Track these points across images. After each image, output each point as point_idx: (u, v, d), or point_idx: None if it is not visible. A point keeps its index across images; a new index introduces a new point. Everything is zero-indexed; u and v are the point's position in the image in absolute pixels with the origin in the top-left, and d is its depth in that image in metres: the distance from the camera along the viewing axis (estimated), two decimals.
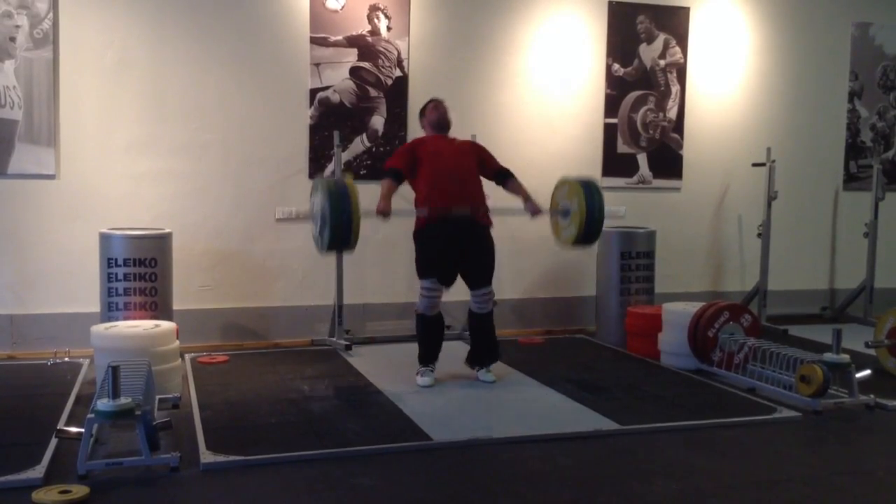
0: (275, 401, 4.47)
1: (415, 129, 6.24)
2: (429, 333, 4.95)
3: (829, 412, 4.39)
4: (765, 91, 7.27)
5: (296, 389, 4.72)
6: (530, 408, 4.49)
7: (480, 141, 6.14)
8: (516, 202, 5.07)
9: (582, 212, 4.84)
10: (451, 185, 4.81)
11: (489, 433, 3.93)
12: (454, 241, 4.79)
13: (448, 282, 4.87)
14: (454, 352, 5.66)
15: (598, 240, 6.35)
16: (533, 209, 4.99)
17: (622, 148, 6.86)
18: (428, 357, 4.95)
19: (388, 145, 6.17)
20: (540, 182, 6.60)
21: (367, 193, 6.08)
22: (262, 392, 4.65)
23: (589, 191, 4.90)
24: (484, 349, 5.05)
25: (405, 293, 6.04)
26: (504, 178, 5.08)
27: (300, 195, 6.03)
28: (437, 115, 5.07)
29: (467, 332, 6.03)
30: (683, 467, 3.59)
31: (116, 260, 5.07)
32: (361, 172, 6.13)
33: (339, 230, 4.31)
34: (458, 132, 6.19)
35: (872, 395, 4.54)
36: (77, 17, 5.51)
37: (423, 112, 5.20)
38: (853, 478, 3.54)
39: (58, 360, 5.23)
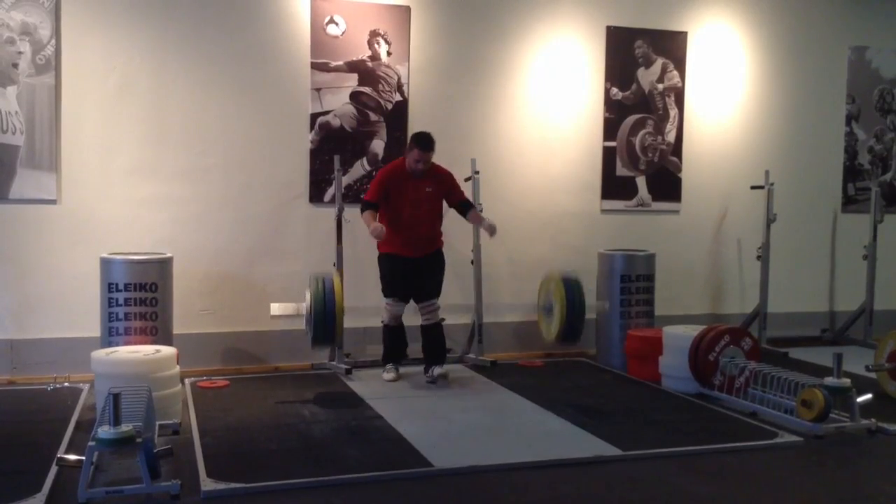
0: (275, 426, 4.46)
1: None
2: (393, 339, 5.66)
3: (831, 437, 4.39)
4: (763, 114, 7.31)
5: (296, 414, 4.71)
6: (531, 433, 4.48)
7: (480, 166, 6.20)
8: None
9: (563, 309, 5.25)
10: (410, 233, 5.45)
11: (490, 459, 3.92)
12: (410, 267, 5.49)
13: (407, 299, 5.56)
14: (453, 375, 5.67)
15: (598, 265, 6.45)
16: (490, 228, 5.42)
17: (621, 171, 6.89)
18: (392, 357, 5.66)
19: None
20: (540, 205, 6.68)
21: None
22: (262, 417, 4.64)
23: (569, 287, 5.29)
24: (434, 355, 5.60)
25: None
26: (465, 209, 5.60)
27: (301, 220, 6.07)
28: (412, 163, 5.37)
29: (469, 356, 6.09)
30: (685, 494, 3.58)
31: (117, 285, 5.08)
32: (362, 196, 6.14)
33: (321, 323, 4.97)
34: (458, 157, 6.28)
35: (874, 420, 4.53)
36: (79, 43, 5.55)
37: (410, 145, 5.44)
38: None
39: (58, 386, 5.22)
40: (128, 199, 5.69)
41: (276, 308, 5.32)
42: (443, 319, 5.62)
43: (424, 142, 5.34)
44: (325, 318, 4.99)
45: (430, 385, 5.47)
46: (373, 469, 3.77)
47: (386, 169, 5.57)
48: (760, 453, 4.16)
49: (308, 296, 5.08)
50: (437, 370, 5.53)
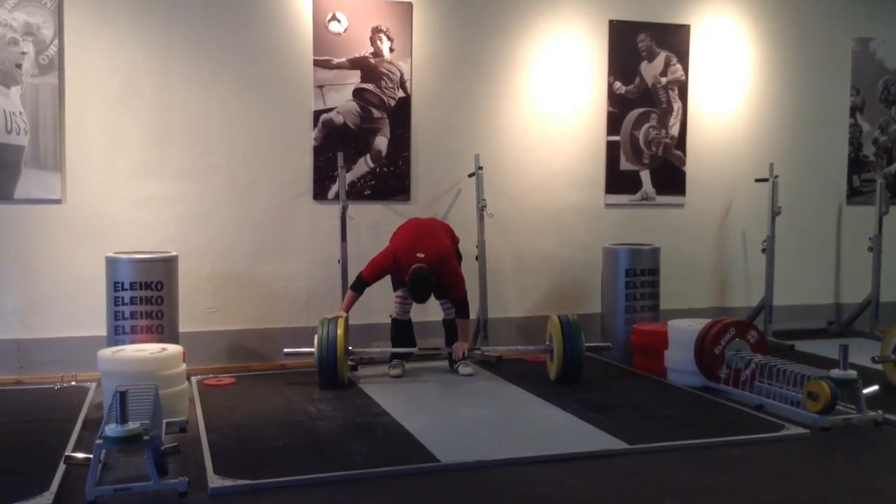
0: (281, 423, 4.47)
1: (417, 150, 6.28)
2: (401, 334, 5.70)
3: (837, 429, 4.38)
4: (766, 107, 7.30)
5: (302, 411, 4.72)
6: (537, 427, 4.48)
7: (484, 161, 6.21)
8: None
9: (560, 352, 5.31)
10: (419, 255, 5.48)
11: (496, 454, 3.93)
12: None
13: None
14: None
15: (602, 259, 6.45)
16: (456, 352, 5.59)
17: (625, 165, 6.88)
18: (401, 355, 5.66)
19: (391, 165, 6.20)
20: (544, 200, 6.68)
21: (371, 213, 6.19)
22: (268, 414, 4.65)
23: (566, 329, 5.34)
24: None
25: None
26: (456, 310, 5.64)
27: (305, 217, 6.08)
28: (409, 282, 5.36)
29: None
30: (691, 487, 3.57)
31: (123, 283, 5.10)
32: (366, 193, 6.16)
33: (325, 369, 5.20)
34: (461, 152, 6.31)
35: (880, 411, 4.52)
36: (82, 43, 5.56)
37: (407, 286, 5.45)
38: (862, 496, 3.53)
39: (65, 385, 5.24)
40: (132, 199, 5.71)
41: (288, 350, 5.48)
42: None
43: (419, 297, 5.42)
44: (329, 366, 5.19)
45: (436, 380, 5.49)
46: (379, 465, 3.78)
47: (390, 263, 5.50)
48: (767, 446, 4.16)
49: (316, 340, 5.26)
50: (462, 369, 5.62)
